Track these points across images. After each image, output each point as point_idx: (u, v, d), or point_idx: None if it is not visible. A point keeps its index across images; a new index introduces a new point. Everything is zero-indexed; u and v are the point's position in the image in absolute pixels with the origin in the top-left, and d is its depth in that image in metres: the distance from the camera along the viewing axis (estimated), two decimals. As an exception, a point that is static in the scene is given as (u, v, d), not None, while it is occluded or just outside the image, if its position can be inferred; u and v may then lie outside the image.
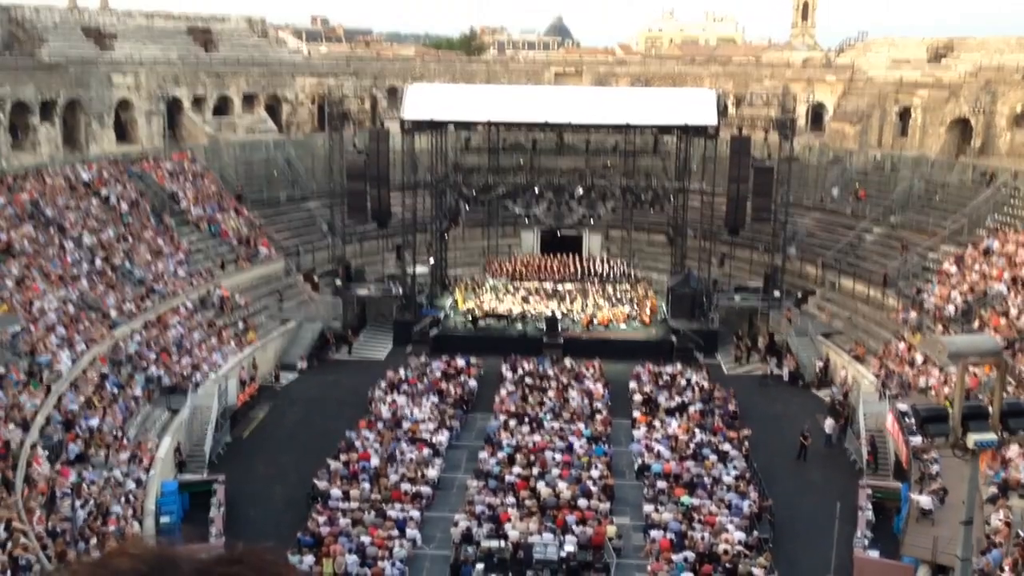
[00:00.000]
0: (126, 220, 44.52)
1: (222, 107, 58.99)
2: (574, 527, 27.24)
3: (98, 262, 40.23)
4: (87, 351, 33.88)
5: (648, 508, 28.79)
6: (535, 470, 30.71)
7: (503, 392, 38.19)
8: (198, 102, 57.24)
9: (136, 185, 47.79)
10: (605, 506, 28.84)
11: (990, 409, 13.97)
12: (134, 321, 37.92)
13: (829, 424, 36.10)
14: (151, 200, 47.49)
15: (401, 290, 47.42)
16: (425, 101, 47.70)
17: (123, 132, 52.95)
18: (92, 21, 55.73)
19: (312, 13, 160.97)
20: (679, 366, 41.48)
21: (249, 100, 60.44)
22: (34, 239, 38.91)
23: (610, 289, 50.11)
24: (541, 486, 29.65)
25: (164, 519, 27.49)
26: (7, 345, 31.38)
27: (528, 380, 39.37)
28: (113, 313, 37.37)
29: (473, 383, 39.85)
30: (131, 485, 28.09)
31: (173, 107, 55.46)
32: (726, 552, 25.80)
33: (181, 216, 47.93)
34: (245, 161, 56.41)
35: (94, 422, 30.25)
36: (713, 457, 31.91)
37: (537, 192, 49.25)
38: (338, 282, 48.06)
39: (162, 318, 39.54)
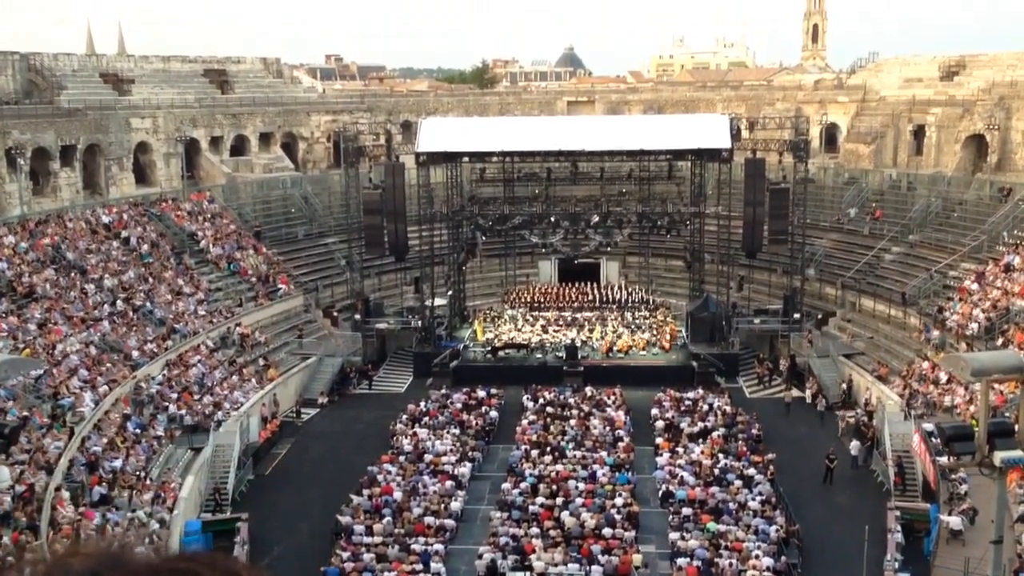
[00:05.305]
0: (146, 261, 44.96)
1: (239, 147, 59.71)
2: (599, 557, 27.00)
3: (119, 303, 40.55)
4: (109, 392, 34.08)
5: (674, 536, 28.51)
6: (559, 500, 30.52)
7: (524, 422, 38.05)
8: (215, 142, 57.98)
9: (156, 226, 48.29)
10: (630, 534, 28.58)
11: (1016, 426, 13.82)
12: (155, 361, 38.15)
13: (855, 446, 35.72)
14: (171, 240, 47.98)
15: (420, 323, 47.49)
16: (439, 134, 47.99)
17: (142, 174, 53.68)
18: (110, 67, 56.74)
19: (326, 52, 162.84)
20: (700, 391, 41.21)
21: (265, 139, 61.15)
22: (56, 283, 39.32)
23: (629, 316, 50.02)
24: (565, 516, 29.45)
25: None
26: (30, 388, 31.61)
27: (549, 409, 39.22)
28: (135, 354, 37.62)
29: (494, 414, 39.74)
30: (155, 525, 28.10)
31: (191, 148, 56.16)
32: (754, 578, 25.51)
33: (200, 255, 48.34)
34: (263, 199, 56.97)
35: (117, 463, 30.33)
36: (738, 482, 31.62)
37: (553, 221, 49.30)
38: (357, 316, 48.21)
39: (183, 357, 39.76)
